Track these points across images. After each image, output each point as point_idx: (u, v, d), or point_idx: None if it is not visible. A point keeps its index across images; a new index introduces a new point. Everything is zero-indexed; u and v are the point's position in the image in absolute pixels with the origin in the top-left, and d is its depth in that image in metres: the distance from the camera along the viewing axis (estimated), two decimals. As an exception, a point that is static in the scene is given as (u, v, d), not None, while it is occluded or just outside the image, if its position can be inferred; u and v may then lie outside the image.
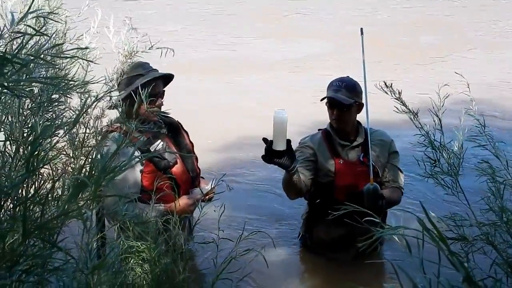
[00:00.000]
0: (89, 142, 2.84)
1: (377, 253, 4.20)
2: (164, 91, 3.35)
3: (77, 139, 2.48)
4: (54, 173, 1.52)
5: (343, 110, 3.77)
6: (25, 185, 1.51)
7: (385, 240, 4.20)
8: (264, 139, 3.34)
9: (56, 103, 1.95)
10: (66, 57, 1.48)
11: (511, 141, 3.13)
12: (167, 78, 3.41)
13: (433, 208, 3.85)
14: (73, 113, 2.40)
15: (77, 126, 2.48)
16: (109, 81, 3.09)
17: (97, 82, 2.43)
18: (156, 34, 3.27)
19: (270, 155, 3.33)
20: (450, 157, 2.55)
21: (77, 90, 2.12)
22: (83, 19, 2.99)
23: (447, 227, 2.32)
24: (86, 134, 2.57)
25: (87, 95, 2.60)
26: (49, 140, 1.65)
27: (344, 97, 3.74)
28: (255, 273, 2.55)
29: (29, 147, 1.45)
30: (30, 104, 1.86)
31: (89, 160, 2.30)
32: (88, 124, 2.61)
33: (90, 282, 1.47)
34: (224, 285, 2.28)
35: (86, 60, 2.34)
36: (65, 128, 1.93)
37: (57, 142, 2.10)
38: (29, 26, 1.26)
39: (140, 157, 2.60)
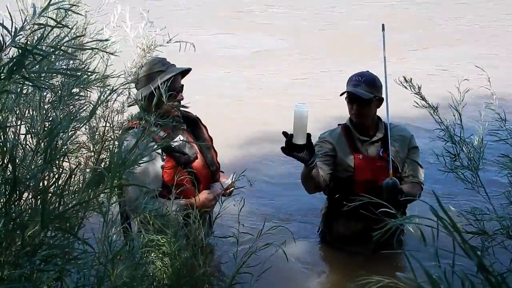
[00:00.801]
0: (109, 136, 2.87)
1: (396, 246, 4.20)
2: (183, 85, 3.36)
3: (98, 133, 2.50)
4: (74, 166, 1.53)
5: (363, 105, 3.76)
6: (45, 178, 1.53)
7: (405, 233, 4.20)
8: (284, 133, 3.33)
9: (77, 97, 1.96)
10: (86, 49, 1.49)
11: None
12: (184, 72, 3.42)
13: (453, 202, 3.83)
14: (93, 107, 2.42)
15: (97, 120, 2.50)
16: (128, 75, 3.12)
17: (117, 76, 2.44)
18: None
19: (290, 148, 3.33)
20: (470, 151, 2.54)
21: (97, 84, 2.13)
22: (104, 14, 3.02)
23: (468, 221, 2.31)
24: (106, 128, 2.60)
25: (106, 89, 2.63)
26: (68, 133, 1.66)
27: (364, 92, 3.72)
28: (275, 268, 2.54)
29: (47, 139, 1.46)
30: (51, 98, 1.88)
31: (109, 153, 2.34)
32: (109, 118, 2.64)
33: (109, 273, 1.48)
34: (245, 279, 2.29)
35: (106, 52, 2.35)
36: (84, 121, 1.94)
37: (76, 135, 2.11)
38: (50, 18, 1.27)
39: (160, 151, 2.61)
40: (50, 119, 1.71)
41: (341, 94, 3.81)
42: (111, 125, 2.57)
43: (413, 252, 1.31)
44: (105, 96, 2.04)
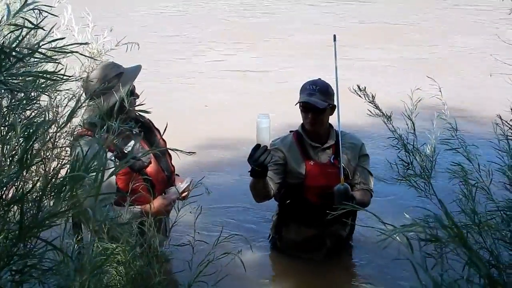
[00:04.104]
0: (61, 143, 2.80)
1: (347, 252, 4.26)
2: (135, 90, 3.31)
3: (49, 140, 2.44)
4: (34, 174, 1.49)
5: (318, 113, 3.80)
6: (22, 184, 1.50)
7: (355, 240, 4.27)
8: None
9: (35, 101, 1.91)
10: (66, 52, 1.46)
11: (481, 144, 3.17)
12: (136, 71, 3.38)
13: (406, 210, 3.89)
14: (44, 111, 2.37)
15: (49, 126, 2.44)
16: (79, 80, 3.06)
17: (76, 80, 2.40)
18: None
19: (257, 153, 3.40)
20: (423, 159, 2.57)
21: (55, 88, 2.08)
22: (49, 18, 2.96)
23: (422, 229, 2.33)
24: (57, 135, 2.54)
25: (56, 94, 2.57)
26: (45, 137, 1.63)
27: (319, 101, 3.76)
28: (229, 276, 2.54)
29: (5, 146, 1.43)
30: (7, 102, 1.82)
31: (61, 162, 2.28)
32: (59, 123, 2.57)
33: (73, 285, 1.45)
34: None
35: (87, 56, 2.29)
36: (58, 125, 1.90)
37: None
38: (26, 19, 1.24)
39: (118, 163, 2.57)
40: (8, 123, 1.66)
41: (296, 104, 3.84)
42: (63, 131, 2.52)
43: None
44: (80, 101, 2.00)
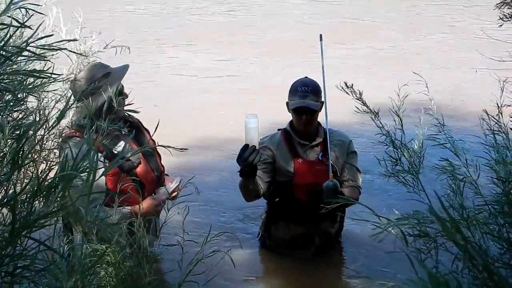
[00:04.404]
0: (48, 145, 2.79)
1: (336, 250, 4.27)
2: (123, 90, 3.31)
3: (37, 142, 2.43)
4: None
5: (312, 114, 3.82)
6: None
7: (343, 236, 4.29)
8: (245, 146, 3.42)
9: (23, 102, 1.91)
10: (54, 49, 1.45)
11: (468, 138, 3.21)
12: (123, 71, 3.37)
13: (395, 206, 3.92)
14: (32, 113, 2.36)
15: (39, 126, 2.43)
16: (67, 81, 3.05)
17: (62, 81, 2.39)
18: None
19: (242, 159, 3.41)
20: (411, 155, 2.59)
21: (45, 88, 2.08)
22: (36, 18, 2.95)
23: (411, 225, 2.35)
24: (45, 137, 2.53)
25: (44, 96, 2.56)
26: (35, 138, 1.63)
27: (314, 103, 3.78)
28: (219, 276, 2.55)
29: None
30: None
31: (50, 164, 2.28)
32: (47, 126, 2.56)
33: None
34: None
35: (77, 53, 2.28)
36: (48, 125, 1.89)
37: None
38: (14, 18, 1.24)
39: (107, 164, 2.57)
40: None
41: (292, 108, 3.83)
42: (51, 134, 2.51)
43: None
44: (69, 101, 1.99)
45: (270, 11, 14.85)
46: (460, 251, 1.11)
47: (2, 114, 1.61)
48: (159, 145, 1.95)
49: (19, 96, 1.82)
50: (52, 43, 1.40)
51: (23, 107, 2.11)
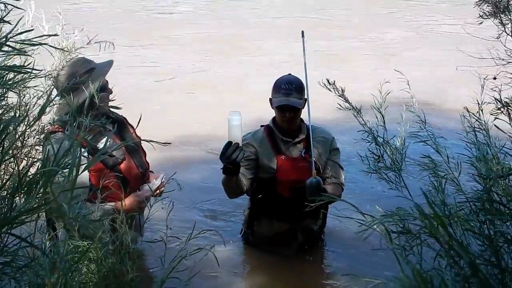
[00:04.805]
0: (29, 141, 2.76)
1: (318, 247, 4.29)
2: (107, 85, 3.29)
3: (18, 138, 2.41)
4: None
5: (295, 112, 3.83)
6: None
7: (325, 233, 4.30)
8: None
9: (2, 98, 1.89)
10: (35, 45, 1.44)
11: (449, 136, 3.23)
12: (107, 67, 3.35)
13: (377, 203, 3.95)
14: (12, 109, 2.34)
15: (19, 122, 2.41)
16: (50, 77, 3.02)
17: (44, 76, 2.36)
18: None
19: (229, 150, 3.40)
20: (393, 152, 2.60)
21: (26, 84, 2.06)
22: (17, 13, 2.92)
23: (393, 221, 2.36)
24: (27, 133, 2.51)
25: (25, 91, 2.53)
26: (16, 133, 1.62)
27: (297, 100, 3.78)
28: (202, 272, 2.55)
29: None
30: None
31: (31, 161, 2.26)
32: (29, 121, 2.54)
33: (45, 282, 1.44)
34: (174, 284, 2.27)
35: (60, 49, 2.26)
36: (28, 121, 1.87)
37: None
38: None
39: (90, 159, 2.55)
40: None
41: (276, 105, 3.84)
42: (32, 130, 2.49)
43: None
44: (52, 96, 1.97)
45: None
46: (443, 248, 1.11)
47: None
48: (142, 139, 1.94)
49: (-1, 91, 1.81)
50: (32, 38, 1.39)
51: (2, 103, 2.09)
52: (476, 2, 3.36)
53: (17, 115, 2.16)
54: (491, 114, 2.66)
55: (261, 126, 4.09)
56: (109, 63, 3.28)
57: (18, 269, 1.36)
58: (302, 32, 4.02)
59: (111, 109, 3.15)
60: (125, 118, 3.45)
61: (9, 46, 1.42)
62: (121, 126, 3.37)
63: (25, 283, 1.47)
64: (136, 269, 2.31)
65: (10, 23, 1.51)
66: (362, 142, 2.67)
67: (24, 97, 2.53)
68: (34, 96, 2.68)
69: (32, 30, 1.90)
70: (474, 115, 2.48)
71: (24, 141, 2.55)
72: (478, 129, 2.46)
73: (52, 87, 3.08)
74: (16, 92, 2.16)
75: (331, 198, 2.13)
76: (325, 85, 2.85)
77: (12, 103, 2.36)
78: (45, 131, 2.79)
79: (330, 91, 2.82)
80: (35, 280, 1.46)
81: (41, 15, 2.73)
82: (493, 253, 1.75)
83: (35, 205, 1.30)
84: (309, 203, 2.30)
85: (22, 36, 1.85)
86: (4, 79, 1.89)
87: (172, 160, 5.64)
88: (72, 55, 3.14)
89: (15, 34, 1.43)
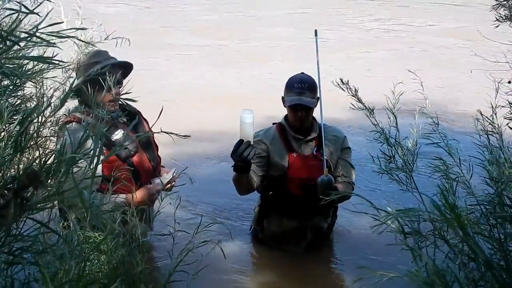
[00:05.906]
0: (44, 132, 2.78)
1: (327, 245, 4.29)
2: (121, 79, 3.28)
3: (32, 129, 2.43)
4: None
5: (308, 111, 3.83)
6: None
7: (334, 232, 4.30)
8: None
9: (20, 88, 1.91)
10: (63, 37, 1.45)
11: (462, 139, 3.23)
12: (126, 68, 3.36)
13: (388, 204, 3.94)
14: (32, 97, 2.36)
15: (43, 110, 2.43)
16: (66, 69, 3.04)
17: (62, 68, 2.38)
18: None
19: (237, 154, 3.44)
20: (405, 153, 2.60)
21: (44, 75, 2.08)
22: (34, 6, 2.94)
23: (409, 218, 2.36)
24: (43, 123, 2.52)
25: (41, 83, 2.55)
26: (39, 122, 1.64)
27: (310, 99, 3.79)
28: (210, 266, 2.56)
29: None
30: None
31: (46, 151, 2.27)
32: (46, 112, 2.56)
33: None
34: (181, 278, 2.28)
35: (84, 42, 2.25)
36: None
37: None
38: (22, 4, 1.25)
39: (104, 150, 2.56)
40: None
41: (288, 105, 3.85)
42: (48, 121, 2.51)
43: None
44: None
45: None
46: (453, 251, 1.12)
47: (1, 98, 1.62)
48: (162, 132, 1.95)
49: (17, 82, 1.82)
50: (59, 31, 1.41)
51: (20, 93, 2.11)
52: (493, 6, 3.35)
53: (39, 103, 2.18)
54: (505, 118, 2.66)
55: (273, 123, 4.10)
56: (118, 61, 3.30)
57: (38, 254, 1.38)
58: (315, 31, 4.02)
59: (126, 102, 3.16)
60: (139, 112, 3.47)
61: (38, 37, 1.44)
62: (134, 119, 3.38)
63: (44, 267, 1.48)
64: (145, 262, 2.33)
65: (39, 15, 1.53)
66: (374, 143, 2.67)
67: (41, 88, 2.55)
68: (51, 88, 2.70)
69: (62, 22, 1.91)
70: (488, 118, 2.48)
71: (40, 132, 2.57)
72: (491, 133, 2.45)
73: (74, 77, 3.10)
74: (34, 83, 2.18)
75: (344, 193, 2.13)
76: (338, 84, 2.86)
77: (29, 93, 2.39)
78: (60, 122, 2.81)
79: (343, 90, 2.82)
80: (55, 265, 1.48)
81: (60, 8, 2.74)
82: (502, 257, 1.75)
83: (55, 192, 1.32)
84: (324, 198, 2.30)
85: (49, 29, 1.88)
86: (23, 69, 1.91)
87: (184, 155, 5.65)
88: (89, 48, 3.15)
89: (45, 26, 1.45)
